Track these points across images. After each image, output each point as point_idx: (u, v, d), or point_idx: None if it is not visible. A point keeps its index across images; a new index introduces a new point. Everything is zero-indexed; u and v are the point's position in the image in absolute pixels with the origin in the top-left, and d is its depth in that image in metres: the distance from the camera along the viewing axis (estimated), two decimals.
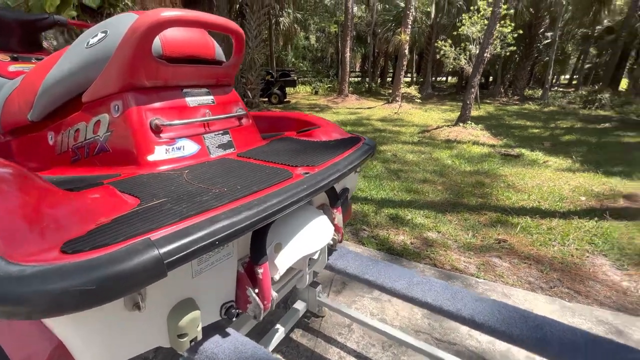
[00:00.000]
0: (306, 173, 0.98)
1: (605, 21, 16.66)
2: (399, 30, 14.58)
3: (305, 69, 25.73)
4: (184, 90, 1.18)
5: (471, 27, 11.29)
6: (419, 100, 14.29)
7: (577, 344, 0.93)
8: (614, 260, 2.55)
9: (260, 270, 0.88)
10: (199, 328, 0.78)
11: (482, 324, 1.04)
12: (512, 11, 11.46)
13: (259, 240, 0.89)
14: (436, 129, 8.30)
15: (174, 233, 0.60)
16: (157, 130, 1.06)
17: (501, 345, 1.63)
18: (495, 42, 9.94)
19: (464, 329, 1.75)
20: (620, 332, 1.78)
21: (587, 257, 2.59)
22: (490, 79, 21.54)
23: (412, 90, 13.63)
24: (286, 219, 1.01)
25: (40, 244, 0.53)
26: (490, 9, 10.39)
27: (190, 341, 0.77)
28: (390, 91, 15.28)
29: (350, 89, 17.25)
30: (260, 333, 1.56)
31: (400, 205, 3.59)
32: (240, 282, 0.92)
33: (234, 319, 0.92)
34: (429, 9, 17.90)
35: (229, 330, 0.97)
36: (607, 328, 1.81)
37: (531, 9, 15.56)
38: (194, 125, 1.16)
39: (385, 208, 3.50)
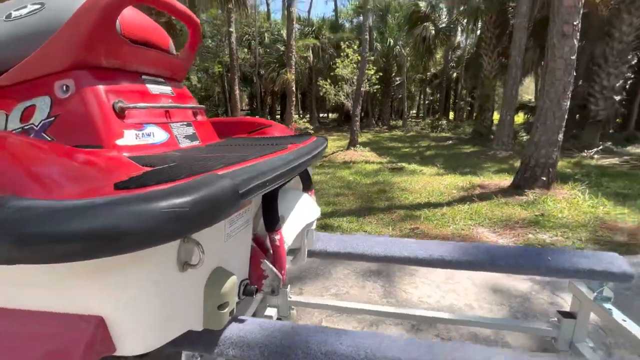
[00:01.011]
0: (297, 147, 1.03)
1: (432, 69, 22.48)
2: (284, 70, 15.90)
3: None
4: (143, 76, 1.08)
5: (344, 69, 13.40)
6: (311, 132, 15.56)
7: (512, 256, 1.24)
8: (487, 227, 3.36)
9: (277, 237, 0.87)
10: (236, 298, 0.71)
11: (450, 261, 1.26)
12: (372, 57, 14.19)
13: (272, 206, 0.88)
14: (332, 153, 9.19)
15: (236, 170, 0.58)
16: (121, 113, 0.93)
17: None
18: (365, 81, 11.96)
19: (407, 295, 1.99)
20: (493, 289, 2.36)
21: (472, 228, 3.33)
22: (363, 113, 25.55)
23: (305, 124, 14.81)
24: (282, 195, 1.03)
25: (95, 183, 0.44)
26: (357, 55, 12.68)
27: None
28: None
29: None
30: None
31: (325, 216, 3.80)
32: (253, 257, 0.87)
33: (253, 297, 0.85)
34: (305, 54, 20.24)
35: (240, 317, 0.88)
36: (488, 287, 2.37)
37: (383, 58, 19.59)
38: (159, 112, 1.06)
39: None
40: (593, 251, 1.26)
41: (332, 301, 1.59)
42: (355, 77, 12.74)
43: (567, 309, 1.42)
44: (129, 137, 0.92)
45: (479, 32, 15.15)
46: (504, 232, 3.23)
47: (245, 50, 24.10)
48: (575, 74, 4.24)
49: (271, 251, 0.91)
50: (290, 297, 1.64)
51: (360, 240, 1.40)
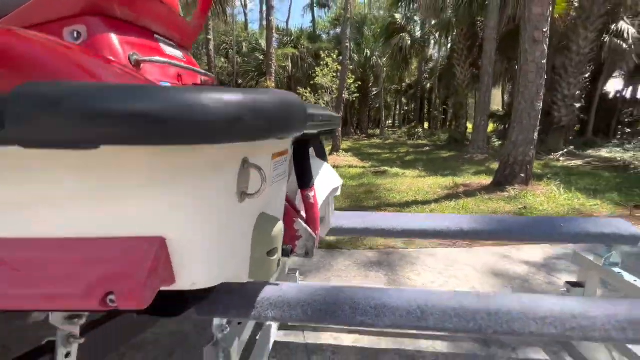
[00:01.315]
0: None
1: (407, 80, 23.34)
2: (264, 79, 15.87)
3: None
4: (156, 35, 1.02)
5: (323, 78, 13.60)
6: None
7: (527, 226, 1.27)
8: None
9: (311, 194, 0.82)
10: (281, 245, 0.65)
11: (468, 232, 1.26)
12: (350, 67, 14.53)
13: (305, 162, 0.83)
14: None
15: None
16: (136, 66, 0.87)
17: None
18: (345, 90, 12.19)
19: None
20: (504, 256, 2.42)
21: None
22: (342, 121, 26.01)
23: None
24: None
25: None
26: (336, 64, 12.94)
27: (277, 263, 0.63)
28: None
29: None
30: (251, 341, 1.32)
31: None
32: (286, 215, 0.82)
33: (289, 257, 0.79)
34: (285, 64, 20.39)
35: (274, 282, 0.82)
36: (495, 256, 2.42)
37: (361, 69, 20.13)
38: (172, 74, 1.00)
39: None
40: (600, 218, 1.31)
41: (337, 284, 1.54)
42: (335, 86, 12.99)
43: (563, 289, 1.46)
44: None
45: (449, 45, 16.02)
46: (479, 239, 3.33)
47: (223, 59, 23.91)
48: (543, 84, 4.55)
49: (303, 212, 0.86)
50: (299, 282, 1.57)
51: (378, 217, 1.37)
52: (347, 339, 1.51)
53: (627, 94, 13.89)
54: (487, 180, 5.51)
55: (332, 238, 2.90)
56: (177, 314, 0.64)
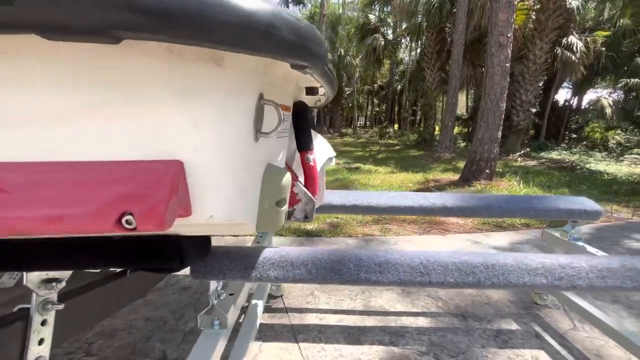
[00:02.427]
0: None
1: (379, 81, 23.93)
2: None
3: None
4: None
5: None
6: None
7: (505, 202, 1.34)
8: None
9: (311, 156, 0.81)
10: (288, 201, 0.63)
11: (451, 209, 1.32)
12: None
13: (305, 123, 0.82)
14: None
15: None
16: None
17: None
18: None
19: None
20: (474, 242, 2.56)
21: None
22: (315, 120, 26.07)
23: None
24: None
25: None
26: None
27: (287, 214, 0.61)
28: None
29: None
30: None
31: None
32: None
33: (291, 219, 0.77)
34: None
35: (274, 247, 0.79)
36: (467, 242, 2.55)
37: (334, 68, 20.32)
38: None
39: None
40: (568, 196, 1.42)
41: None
42: None
43: None
44: None
45: (419, 49, 16.63)
46: (462, 216, 3.50)
47: None
48: (507, 87, 4.86)
49: (301, 178, 0.84)
50: None
51: (364, 194, 1.39)
52: (332, 319, 1.51)
53: (574, 103, 15.29)
54: (454, 176, 5.80)
55: (310, 226, 2.89)
56: (176, 269, 0.60)
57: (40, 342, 0.63)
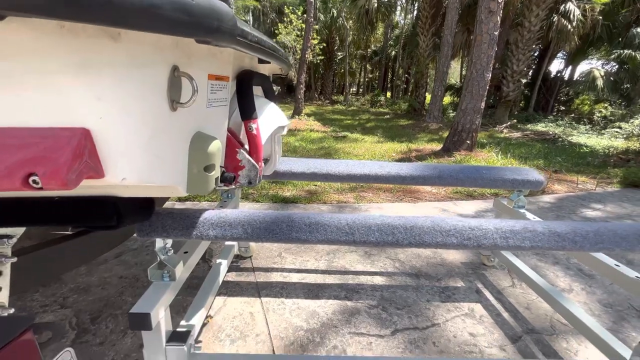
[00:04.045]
0: None
1: (372, 46, 23.05)
2: None
3: None
4: None
5: (287, 36, 12.89)
6: None
7: (456, 171, 1.42)
8: None
9: (253, 125, 0.85)
10: (220, 165, 0.68)
11: (405, 177, 1.39)
12: (316, 27, 13.92)
13: (248, 92, 0.85)
14: None
15: None
16: None
17: None
18: (309, 50, 11.74)
19: None
20: (443, 209, 2.70)
21: None
22: (306, 86, 25.29)
23: None
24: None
25: None
26: (301, 22, 12.29)
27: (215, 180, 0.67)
28: None
29: None
30: (195, 287, 1.38)
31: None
32: (228, 146, 0.84)
33: (232, 185, 0.83)
34: (245, 18, 18.87)
35: (218, 209, 0.86)
36: (435, 209, 2.69)
37: (326, 30, 19.36)
38: None
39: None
40: (514, 167, 1.51)
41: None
42: (299, 46, 12.40)
43: None
44: None
45: (415, 12, 15.90)
46: (415, 184, 3.63)
47: None
48: (494, 56, 4.79)
49: (246, 144, 0.88)
50: None
51: (324, 162, 1.45)
52: (295, 277, 1.64)
53: (566, 74, 15.17)
54: (438, 146, 5.89)
55: (288, 194, 2.97)
56: (115, 227, 0.66)
57: None
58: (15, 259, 0.70)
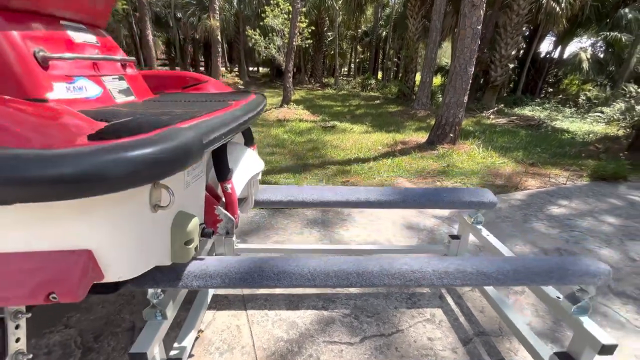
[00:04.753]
0: (240, 104, 1.11)
1: (363, 26, 22.55)
2: (206, 15, 14.20)
3: None
4: (62, 22, 0.99)
5: (274, 19, 12.55)
6: (241, 87, 14.65)
7: (418, 195, 1.58)
8: (405, 177, 3.91)
9: (228, 185, 0.98)
10: (198, 235, 0.82)
11: (372, 202, 1.55)
12: (304, 9, 13.54)
13: (222, 158, 0.97)
14: (266, 111, 8.97)
15: (195, 124, 0.66)
16: (44, 63, 0.87)
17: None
18: (297, 35, 11.49)
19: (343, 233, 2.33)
20: (420, 211, 2.88)
21: (394, 179, 3.83)
22: (296, 68, 24.82)
23: (234, 78, 13.81)
24: (229, 149, 1.11)
25: (71, 136, 0.50)
26: (288, 5, 11.93)
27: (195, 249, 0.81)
28: None
29: None
30: (190, 301, 1.54)
31: (263, 174, 3.90)
32: (207, 203, 0.97)
33: (210, 238, 0.97)
34: None
35: (200, 257, 1.00)
36: (413, 210, 2.87)
37: (315, 11, 18.82)
38: (87, 64, 1.01)
39: None
40: (473, 188, 1.67)
41: (274, 245, 1.79)
42: (287, 29, 12.10)
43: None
44: (59, 91, 0.88)
45: None
46: (419, 181, 3.81)
47: None
48: (479, 42, 4.85)
49: (223, 199, 1.01)
50: (237, 245, 1.78)
51: (299, 189, 1.59)
52: (278, 289, 1.81)
53: (555, 55, 15.19)
54: (424, 137, 6.02)
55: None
56: (115, 291, 0.80)
57: (17, 340, 0.84)
58: (29, 315, 0.85)
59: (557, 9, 10.21)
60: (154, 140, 0.53)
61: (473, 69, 4.88)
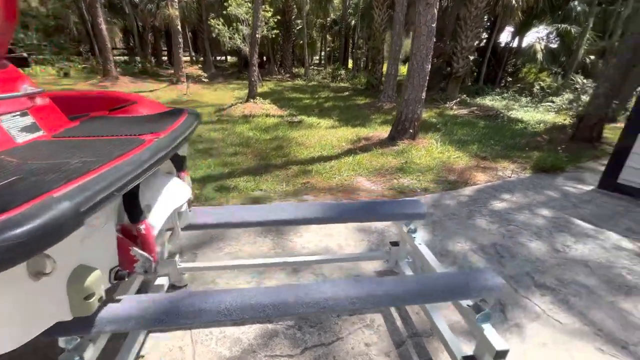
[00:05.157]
0: (156, 138, 1.09)
1: (332, 15, 22.29)
2: (165, 2, 13.42)
3: (33, 42, 18.47)
4: None
5: (238, 8, 12.08)
6: (206, 80, 14.11)
7: (355, 210, 1.64)
8: (365, 176, 4.01)
9: (142, 227, 0.98)
10: (103, 287, 0.82)
11: (311, 219, 1.60)
12: None
13: (133, 201, 0.96)
14: (231, 106, 8.75)
15: (79, 185, 0.66)
16: None
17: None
18: (262, 25, 11.16)
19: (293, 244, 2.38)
20: None
21: (353, 178, 3.92)
22: (265, 58, 24.17)
23: (197, 70, 13.26)
24: (147, 184, 1.10)
25: None
26: None
27: (98, 300, 0.81)
28: (172, 71, 14.18)
29: (119, 69, 14.50)
30: None
31: (221, 178, 3.84)
32: (121, 245, 0.97)
33: (125, 280, 0.97)
34: None
35: (117, 297, 1.00)
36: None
37: None
38: None
39: (208, 183, 3.65)
40: (406, 199, 1.77)
41: (218, 262, 1.81)
42: (252, 18, 11.70)
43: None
44: None
45: None
46: (377, 179, 3.92)
47: None
48: (443, 35, 4.98)
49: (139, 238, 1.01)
50: (180, 265, 1.78)
51: (238, 210, 1.60)
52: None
53: (514, 45, 15.89)
54: (387, 131, 6.16)
55: (233, 201, 3.09)
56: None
57: None
58: None
59: (513, 1, 10.64)
60: (17, 222, 0.52)
61: (430, 66, 5.02)
